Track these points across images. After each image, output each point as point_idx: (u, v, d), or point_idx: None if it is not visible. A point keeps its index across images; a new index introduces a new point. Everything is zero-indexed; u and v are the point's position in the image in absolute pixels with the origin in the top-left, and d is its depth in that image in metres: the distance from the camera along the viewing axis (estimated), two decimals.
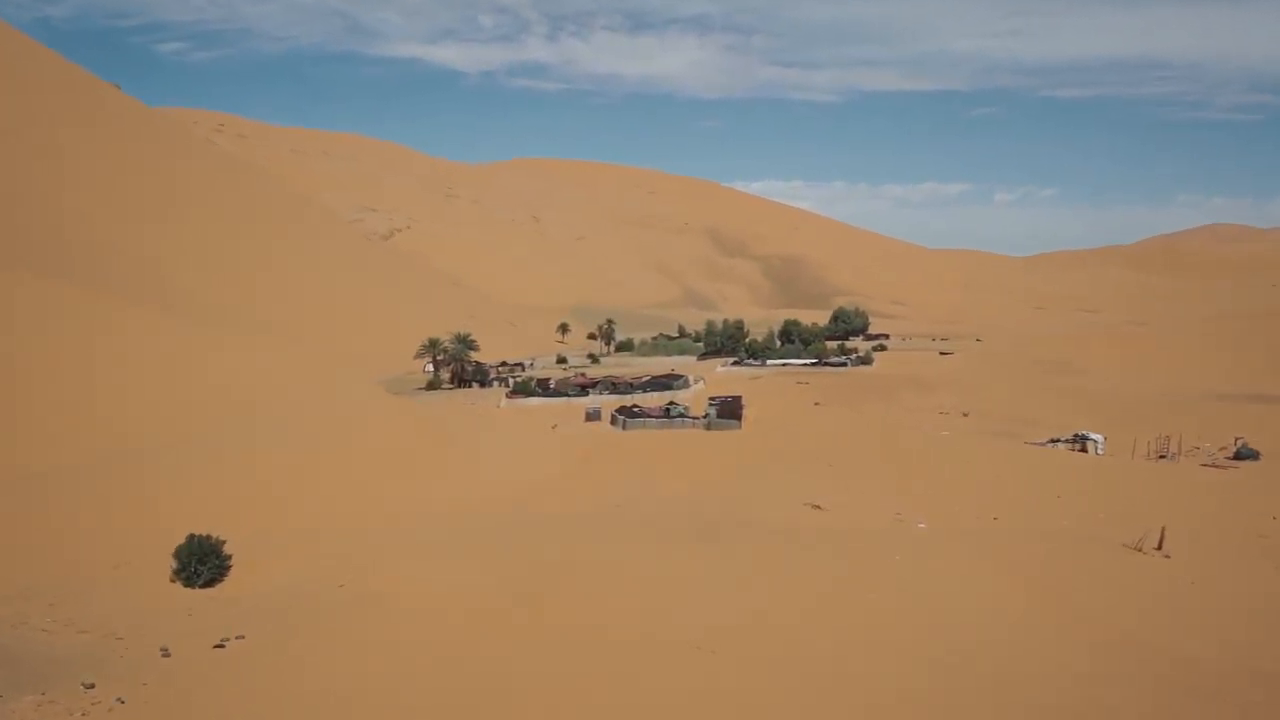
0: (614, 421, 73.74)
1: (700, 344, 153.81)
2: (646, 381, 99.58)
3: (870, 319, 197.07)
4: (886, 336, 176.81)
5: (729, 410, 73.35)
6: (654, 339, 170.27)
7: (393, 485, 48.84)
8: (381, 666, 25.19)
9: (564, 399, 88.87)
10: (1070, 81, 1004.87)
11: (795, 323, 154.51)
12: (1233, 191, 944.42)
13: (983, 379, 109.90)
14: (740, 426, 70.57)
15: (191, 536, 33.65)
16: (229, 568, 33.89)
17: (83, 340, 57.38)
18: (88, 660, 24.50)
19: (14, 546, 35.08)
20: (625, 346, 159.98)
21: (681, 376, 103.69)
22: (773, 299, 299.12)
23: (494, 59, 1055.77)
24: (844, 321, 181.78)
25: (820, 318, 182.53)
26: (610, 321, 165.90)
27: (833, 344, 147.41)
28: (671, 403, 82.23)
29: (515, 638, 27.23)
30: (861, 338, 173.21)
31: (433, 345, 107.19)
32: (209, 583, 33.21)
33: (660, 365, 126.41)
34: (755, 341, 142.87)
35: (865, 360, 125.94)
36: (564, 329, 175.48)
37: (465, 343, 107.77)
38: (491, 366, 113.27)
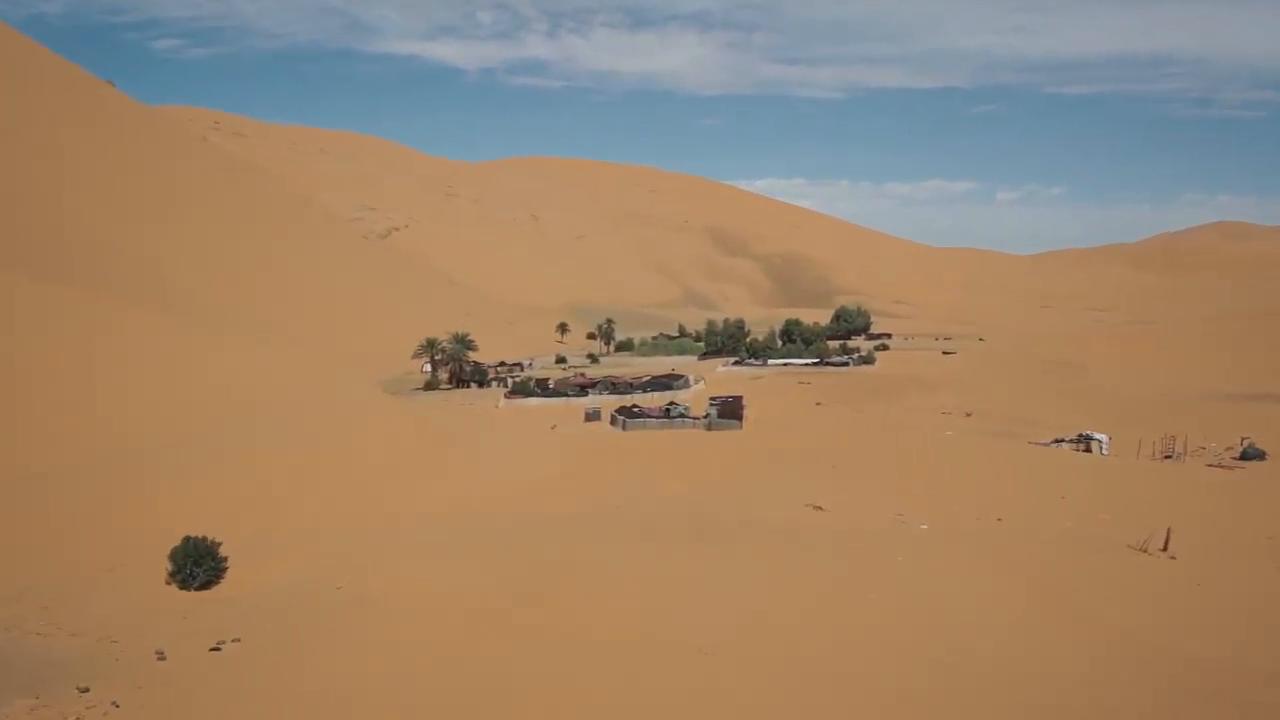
0: (614, 422, 73.64)
1: (701, 344, 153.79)
2: (646, 381, 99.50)
3: (872, 318, 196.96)
4: (889, 336, 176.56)
5: (730, 410, 73.19)
6: (654, 339, 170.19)
7: (392, 485, 48.78)
8: (381, 667, 25.15)
9: (563, 399, 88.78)
10: (1074, 79, 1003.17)
11: (796, 322, 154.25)
12: (1238, 189, 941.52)
13: (986, 379, 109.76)
14: (741, 427, 70.46)
15: (187, 538, 33.54)
16: (225, 569, 33.78)
17: (83, 340, 57.33)
18: (82, 664, 24.42)
19: (10, 547, 35.02)
20: (625, 346, 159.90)
21: (682, 376, 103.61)
22: (774, 298, 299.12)
23: (493, 56, 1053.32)
24: (846, 321, 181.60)
25: (822, 317, 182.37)
26: (610, 321, 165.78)
27: (834, 344, 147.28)
28: (672, 403, 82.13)
29: (515, 638, 27.19)
30: (863, 337, 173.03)
31: (430, 345, 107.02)
32: (205, 585, 33.09)
33: (660, 365, 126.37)
34: (756, 341, 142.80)
35: (867, 360, 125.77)
36: (563, 329, 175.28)
37: (463, 342, 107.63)
38: (490, 366, 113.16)
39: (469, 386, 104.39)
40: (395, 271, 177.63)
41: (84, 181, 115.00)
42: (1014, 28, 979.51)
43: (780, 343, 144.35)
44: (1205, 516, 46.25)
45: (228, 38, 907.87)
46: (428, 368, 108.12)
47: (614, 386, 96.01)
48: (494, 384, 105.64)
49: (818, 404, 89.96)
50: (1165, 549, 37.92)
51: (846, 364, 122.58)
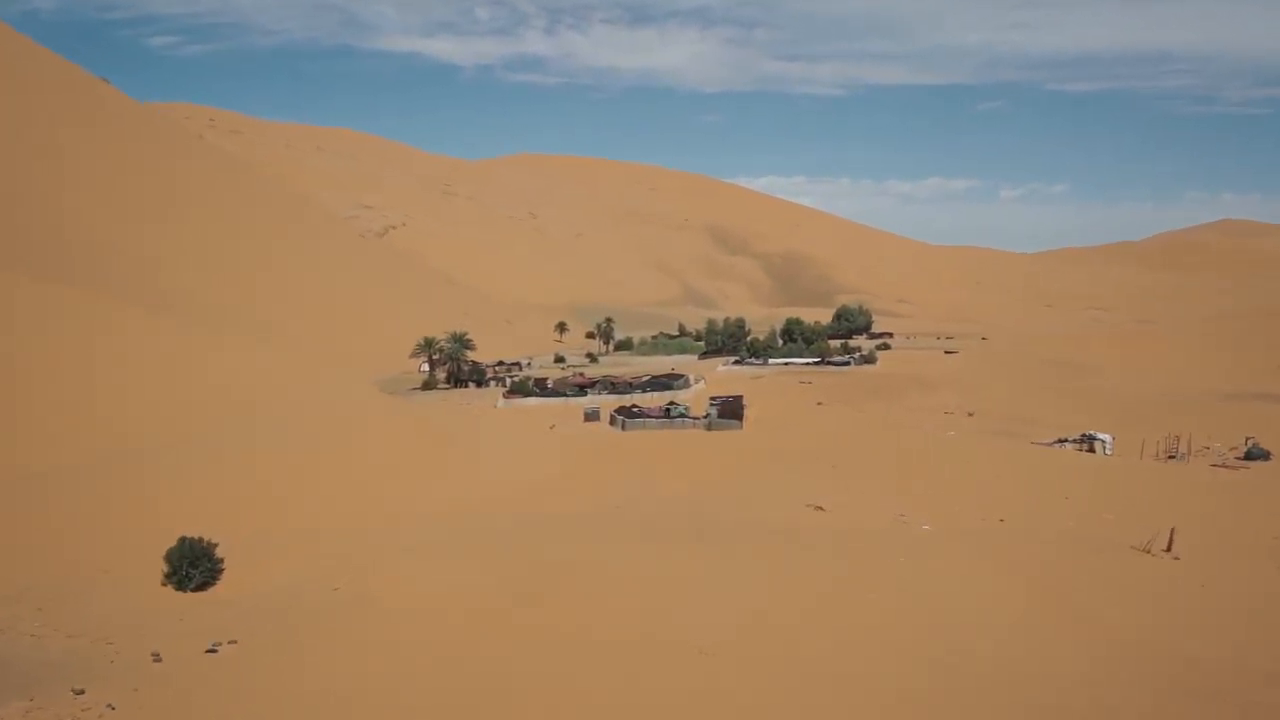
0: (613, 422, 73.51)
1: (701, 343, 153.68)
2: (646, 381, 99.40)
3: (874, 317, 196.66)
4: (890, 335, 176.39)
5: (730, 410, 73.05)
6: (654, 338, 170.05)
7: (392, 485, 48.75)
8: (381, 667, 25.15)
9: (562, 399, 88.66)
10: (1077, 75, 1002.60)
11: (797, 321, 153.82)
12: (1242, 186, 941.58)
13: (988, 378, 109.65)
14: (742, 427, 70.34)
15: (183, 539, 33.48)
16: (221, 570, 33.72)
17: (83, 340, 57.35)
18: (78, 665, 24.38)
19: (8, 548, 35.01)
20: (624, 345, 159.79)
21: (682, 376, 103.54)
22: (774, 297, 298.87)
23: (491, 52, 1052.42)
24: (847, 320, 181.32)
25: (823, 316, 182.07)
26: (609, 320, 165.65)
27: (836, 343, 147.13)
28: (672, 403, 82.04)
29: (515, 638, 27.19)
30: (865, 336, 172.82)
31: (428, 344, 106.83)
32: (201, 586, 33.01)
33: (660, 365, 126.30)
34: (757, 340, 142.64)
35: (869, 359, 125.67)
36: (562, 328, 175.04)
37: (461, 342, 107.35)
38: (488, 366, 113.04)
39: (467, 386, 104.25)
40: (394, 271, 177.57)
41: (84, 181, 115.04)
42: (1016, 24, 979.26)
43: (781, 342, 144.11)
44: (1209, 517, 46.11)
45: (224, 34, 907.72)
46: (425, 367, 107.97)
47: (613, 386, 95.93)
48: (492, 383, 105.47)
49: (819, 404, 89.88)
50: (1169, 550, 37.79)
51: (848, 363, 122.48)
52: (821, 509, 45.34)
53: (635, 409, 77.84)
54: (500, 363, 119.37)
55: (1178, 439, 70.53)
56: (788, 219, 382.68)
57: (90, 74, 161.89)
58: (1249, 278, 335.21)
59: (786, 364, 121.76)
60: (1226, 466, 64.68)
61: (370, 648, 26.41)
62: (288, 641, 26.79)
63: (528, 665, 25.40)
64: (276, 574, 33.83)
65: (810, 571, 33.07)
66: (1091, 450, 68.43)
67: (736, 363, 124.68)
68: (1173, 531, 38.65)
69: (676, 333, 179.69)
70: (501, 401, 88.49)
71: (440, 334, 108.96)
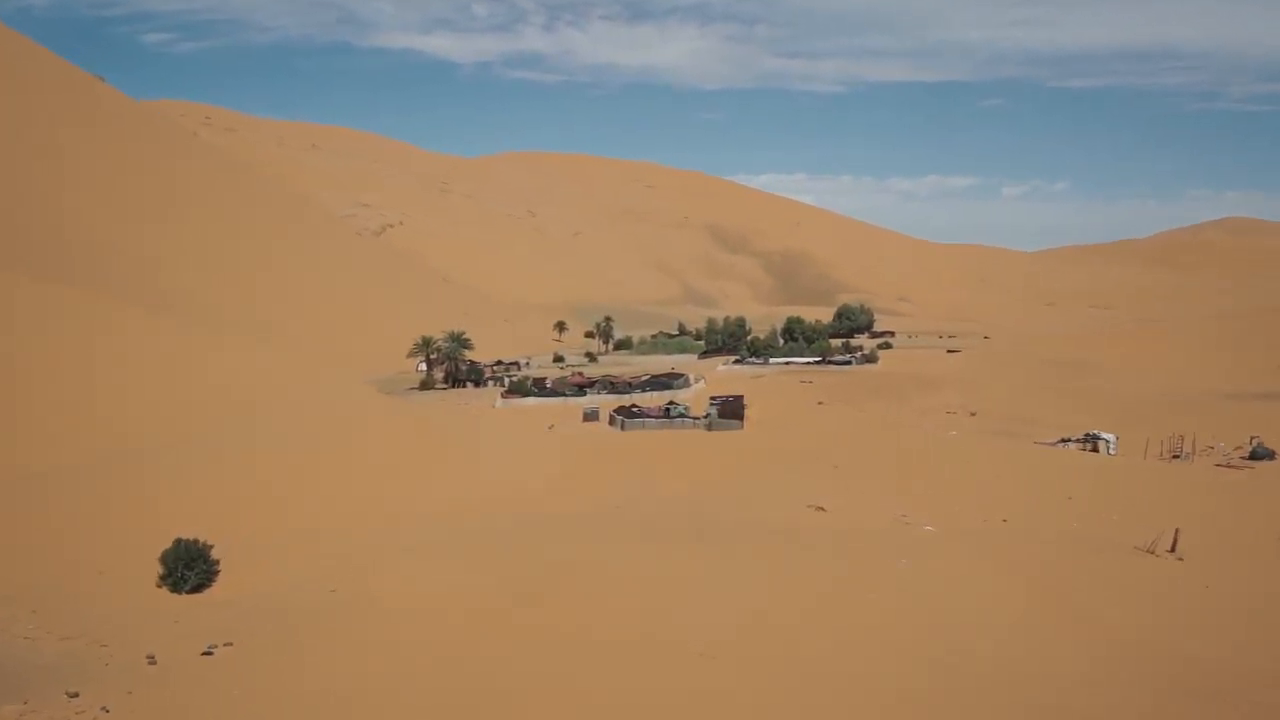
0: (612, 422, 73.41)
1: (701, 342, 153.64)
2: (646, 381, 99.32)
3: (875, 316, 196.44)
4: (892, 334, 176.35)
5: (730, 410, 72.96)
6: (653, 337, 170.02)
7: (391, 486, 48.74)
8: (381, 667, 25.15)
9: (561, 399, 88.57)
10: (1079, 72, 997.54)
11: (798, 320, 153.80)
12: (1245, 184, 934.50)
13: (990, 378, 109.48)
14: (742, 427, 70.26)
15: (178, 541, 33.44)
16: (217, 572, 33.66)
17: (83, 340, 57.34)
18: (72, 668, 24.32)
19: (8, 548, 34.96)
20: (624, 345, 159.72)
21: (682, 375, 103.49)
22: (775, 296, 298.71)
23: (489, 49, 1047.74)
24: (848, 319, 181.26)
25: (824, 315, 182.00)
26: (608, 319, 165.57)
27: (837, 342, 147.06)
28: (671, 402, 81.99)
29: (515, 638, 27.19)
30: (866, 335, 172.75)
31: (426, 344, 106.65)
32: (197, 588, 32.95)
33: (660, 364, 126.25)
34: (757, 339, 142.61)
35: (870, 359, 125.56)
36: (561, 327, 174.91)
37: (459, 341, 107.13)
38: (486, 365, 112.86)
39: (465, 386, 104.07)
40: (393, 271, 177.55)
41: (84, 181, 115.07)
42: (1018, 20, 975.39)
43: (781, 341, 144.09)
44: (1213, 517, 45.96)
45: (219, 31, 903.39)
46: (422, 367, 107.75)
47: (612, 386, 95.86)
48: (490, 383, 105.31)
49: (820, 403, 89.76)
50: (1173, 550, 37.71)
51: (849, 363, 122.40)
52: (822, 509, 45.32)
53: (635, 409, 77.75)
54: (498, 362, 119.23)
55: (1181, 439, 70.31)
56: (788, 217, 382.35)
57: (86, 73, 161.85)
58: (1251, 276, 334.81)
59: (787, 363, 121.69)
60: (1231, 466, 64.43)
61: (370, 648, 26.40)
62: (287, 642, 26.78)
63: (528, 665, 25.40)
64: (276, 574, 33.84)
65: (810, 572, 33.07)
66: (1095, 450, 68.26)
67: (737, 362, 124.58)
68: (1177, 532, 38.56)
69: (676, 332, 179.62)
70: (499, 401, 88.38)
71: (438, 333, 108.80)
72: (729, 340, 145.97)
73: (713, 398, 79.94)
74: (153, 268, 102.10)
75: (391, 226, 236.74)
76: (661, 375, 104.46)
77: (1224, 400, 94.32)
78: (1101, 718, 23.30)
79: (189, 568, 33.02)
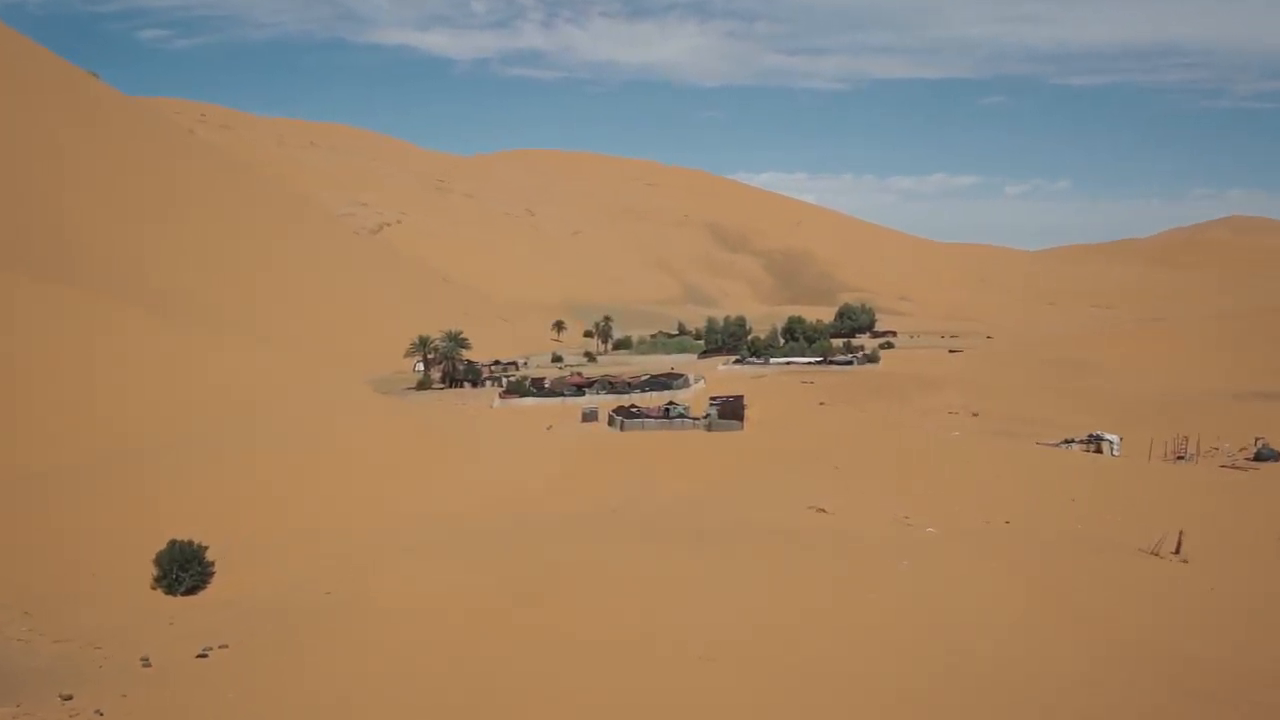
0: (611, 422, 73.35)
1: (701, 342, 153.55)
2: (645, 381, 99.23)
3: (877, 316, 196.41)
4: (894, 334, 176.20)
5: (731, 410, 72.92)
6: (653, 337, 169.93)
7: (391, 486, 48.76)
8: (381, 667, 25.14)
9: (559, 399, 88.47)
10: (1081, 69, 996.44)
11: (799, 320, 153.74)
12: (1249, 183, 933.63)
13: (993, 378, 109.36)
14: (742, 427, 70.22)
15: (173, 542, 33.36)
16: (212, 574, 33.58)
17: (83, 340, 57.33)
18: (67, 670, 24.26)
19: (7, 548, 34.88)
20: (623, 344, 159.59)
21: (681, 375, 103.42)
22: (775, 295, 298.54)
23: (487, 46, 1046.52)
24: (850, 318, 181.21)
25: (825, 315, 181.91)
26: (607, 319, 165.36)
27: (838, 342, 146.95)
28: (671, 403, 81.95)
29: (515, 638, 27.19)
30: (868, 335, 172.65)
31: (423, 344, 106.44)
32: (191, 590, 32.86)
33: (659, 364, 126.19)
34: (758, 339, 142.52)
35: (871, 359, 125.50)
36: (559, 326, 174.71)
37: (456, 341, 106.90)
38: (484, 365, 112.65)
39: (462, 386, 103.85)
40: (392, 270, 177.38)
41: (84, 181, 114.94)
42: (1021, 17, 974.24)
43: (782, 341, 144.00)
44: (1217, 518, 45.80)
45: (216, 27, 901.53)
46: (420, 366, 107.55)
47: (612, 386, 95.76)
48: (488, 383, 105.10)
49: (821, 404, 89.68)
50: (1177, 552, 37.62)
51: (850, 363, 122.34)
52: (823, 510, 45.29)
53: (634, 409, 77.69)
54: (496, 362, 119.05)
55: (1185, 439, 70.01)
56: (789, 216, 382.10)
57: (84, 71, 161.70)
58: (1253, 276, 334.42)
59: (788, 363, 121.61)
60: (1236, 467, 64.12)
61: (370, 648, 26.38)
62: (286, 642, 26.75)
63: (527, 666, 25.39)
64: (275, 574, 33.82)
65: (811, 572, 33.05)
66: (1099, 451, 68.05)
67: (737, 362, 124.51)
68: (1180, 534, 38.49)
69: (676, 331, 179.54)
70: (497, 401, 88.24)
71: (435, 333, 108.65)
72: (729, 340, 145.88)
73: (713, 398, 79.90)
74: (153, 268, 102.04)
75: (389, 225, 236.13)
76: (661, 375, 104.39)
77: (1226, 400, 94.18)
78: (1101, 718, 23.28)
79: (184, 569, 32.94)
